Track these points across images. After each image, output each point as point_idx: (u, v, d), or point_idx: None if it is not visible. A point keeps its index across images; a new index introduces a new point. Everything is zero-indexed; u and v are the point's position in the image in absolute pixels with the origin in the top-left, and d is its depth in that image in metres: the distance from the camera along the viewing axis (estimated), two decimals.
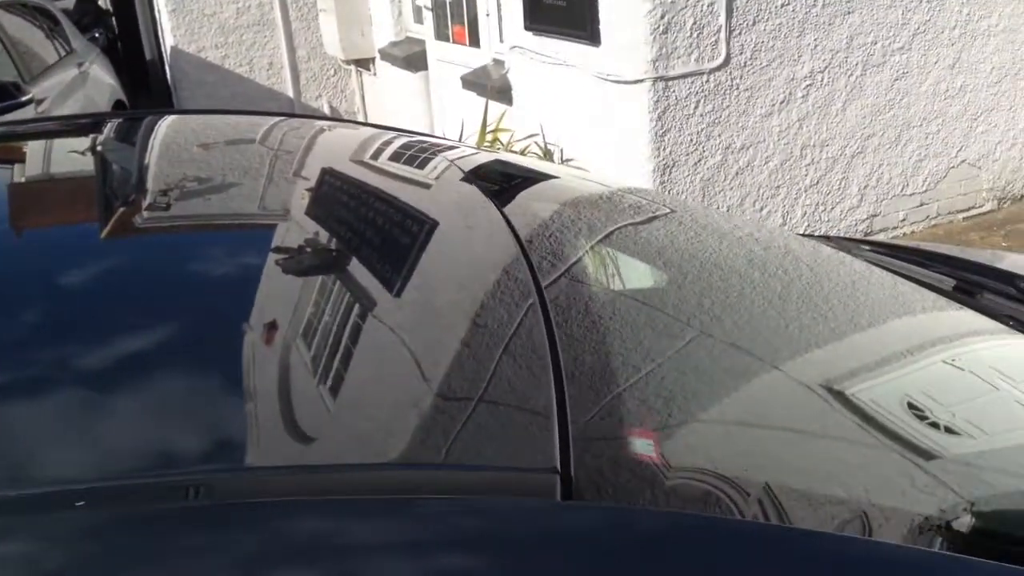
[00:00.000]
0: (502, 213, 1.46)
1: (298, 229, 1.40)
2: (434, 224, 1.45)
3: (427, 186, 1.70)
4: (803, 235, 2.05)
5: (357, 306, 1.16)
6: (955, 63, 4.72)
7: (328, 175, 1.66)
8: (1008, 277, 1.78)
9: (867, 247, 1.90)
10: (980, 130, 4.94)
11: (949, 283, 1.73)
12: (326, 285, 1.21)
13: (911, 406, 1.16)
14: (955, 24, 4.64)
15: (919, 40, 4.58)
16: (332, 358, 1.04)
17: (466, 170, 1.77)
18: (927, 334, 1.47)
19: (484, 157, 2.11)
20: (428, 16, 6.12)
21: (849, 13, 4.36)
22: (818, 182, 4.62)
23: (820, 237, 2.05)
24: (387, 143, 1.93)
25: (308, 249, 1.31)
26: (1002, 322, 1.54)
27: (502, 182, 1.85)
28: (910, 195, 4.89)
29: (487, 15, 5.43)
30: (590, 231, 1.58)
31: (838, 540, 0.84)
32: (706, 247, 1.61)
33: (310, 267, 1.26)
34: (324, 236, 1.38)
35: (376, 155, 1.86)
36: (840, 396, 1.17)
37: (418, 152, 1.88)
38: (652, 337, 1.23)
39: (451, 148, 2.05)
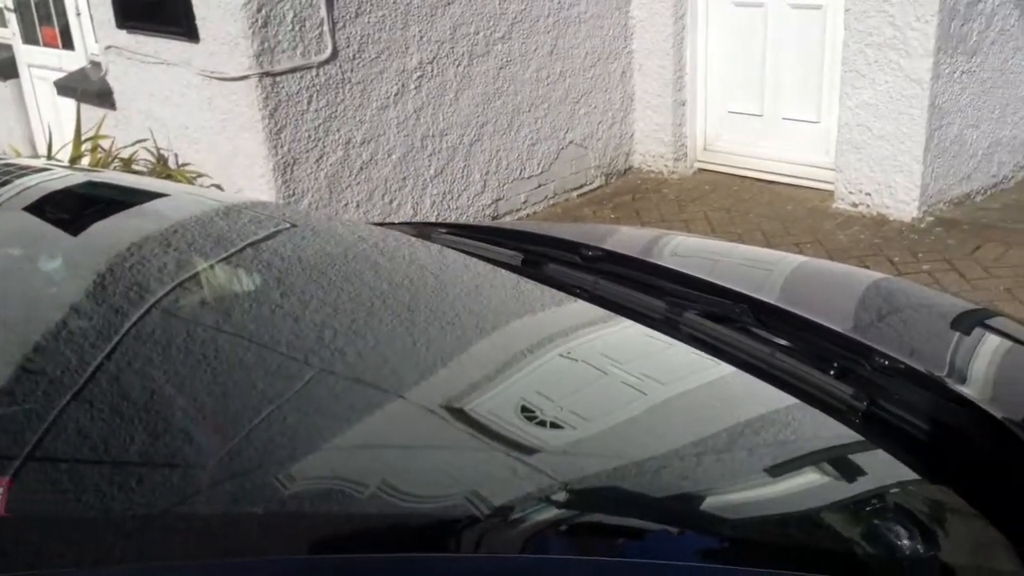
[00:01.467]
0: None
1: None
2: None
3: None
4: (379, 224, 2.04)
5: None
6: (553, 50, 5.03)
7: None
8: (573, 246, 1.86)
9: (444, 230, 1.91)
10: (582, 112, 5.32)
11: (518, 258, 1.77)
12: None
13: (524, 408, 1.16)
14: (548, 12, 4.94)
15: (518, 29, 4.82)
16: None
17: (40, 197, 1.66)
18: (541, 331, 1.47)
19: (61, 181, 1.94)
20: (12, 18, 5.49)
21: (450, 4, 4.48)
22: (442, 171, 4.72)
23: (399, 224, 2.04)
24: None
25: None
26: (569, 292, 1.60)
27: (68, 209, 1.72)
28: (528, 177, 5.16)
29: (77, 15, 4.96)
30: (183, 262, 1.47)
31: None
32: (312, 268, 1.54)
33: None
34: None
35: None
36: (451, 409, 1.15)
37: None
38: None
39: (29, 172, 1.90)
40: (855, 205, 4.85)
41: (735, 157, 5.48)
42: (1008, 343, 1.53)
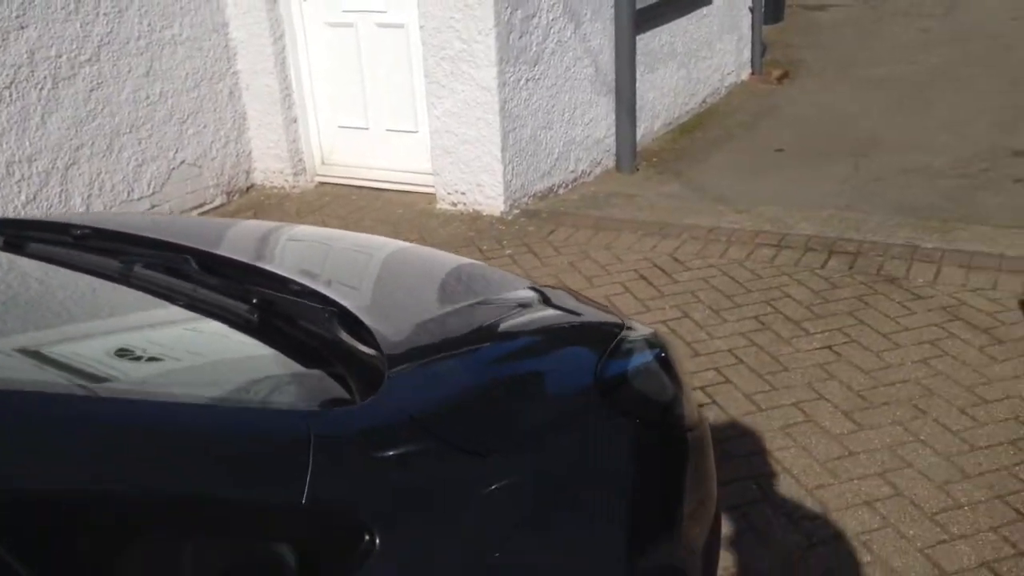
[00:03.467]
0: None
1: None
2: None
3: None
4: None
5: None
6: (149, 71, 5.04)
7: None
8: (62, 228, 1.98)
9: None
10: (191, 132, 5.37)
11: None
12: None
13: None
14: (139, 35, 4.95)
15: (106, 51, 4.80)
16: None
17: None
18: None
19: None
20: None
21: (23, 28, 4.38)
22: (35, 197, 4.58)
23: None
24: None
25: None
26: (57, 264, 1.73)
27: None
28: (139, 199, 5.12)
29: None
30: None
31: None
32: None
33: None
34: None
35: None
36: None
37: None
38: None
39: None
40: (454, 204, 5.30)
41: (350, 168, 5.77)
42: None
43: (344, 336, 1.43)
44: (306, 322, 1.48)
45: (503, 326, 1.69)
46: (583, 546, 1.40)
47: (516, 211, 5.22)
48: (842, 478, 2.87)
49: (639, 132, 6.45)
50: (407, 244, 2.29)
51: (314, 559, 1.10)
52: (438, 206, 5.34)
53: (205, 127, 5.45)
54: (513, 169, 5.16)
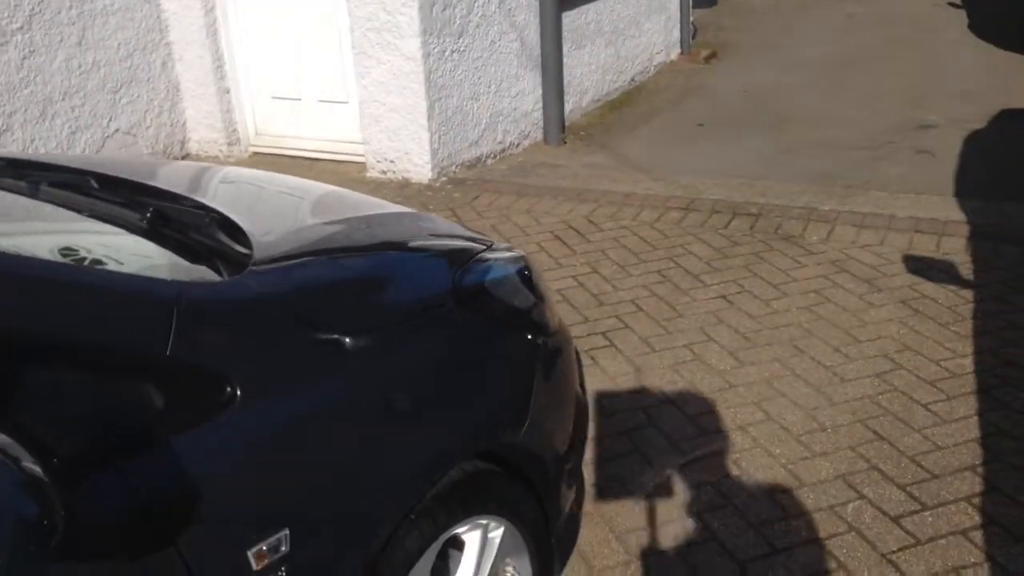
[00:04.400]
0: None
1: None
2: None
3: None
4: None
5: None
6: (81, 40, 5.15)
7: None
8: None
9: None
10: (124, 101, 5.48)
11: None
12: None
13: None
14: (71, 4, 5.06)
15: (38, 20, 4.90)
16: None
17: None
18: None
19: None
20: None
21: None
22: None
23: None
24: None
25: None
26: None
27: None
28: None
29: None
30: None
31: None
32: None
33: None
34: None
35: None
36: None
37: None
38: None
39: None
40: (384, 173, 5.49)
41: (284, 139, 5.93)
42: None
43: (221, 237, 1.63)
44: (190, 227, 1.68)
45: (370, 238, 1.91)
46: (428, 420, 1.62)
47: (443, 179, 5.41)
48: (721, 406, 3.12)
49: (568, 107, 6.68)
50: (312, 182, 2.49)
51: (187, 407, 1.30)
52: (368, 174, 5.53)
53: (138, 97, 5.57)
54: (440, 138, 5.36)
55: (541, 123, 6.27)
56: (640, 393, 3.23)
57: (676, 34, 8.45)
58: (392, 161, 5.43)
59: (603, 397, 3.21)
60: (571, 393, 2.09)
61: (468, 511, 1.74)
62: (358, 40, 5.22)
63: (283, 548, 1.35)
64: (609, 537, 2.56)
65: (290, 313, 1.46)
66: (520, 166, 5.79)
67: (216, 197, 2.04)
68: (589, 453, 2.86)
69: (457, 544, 1.80)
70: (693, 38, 9.06)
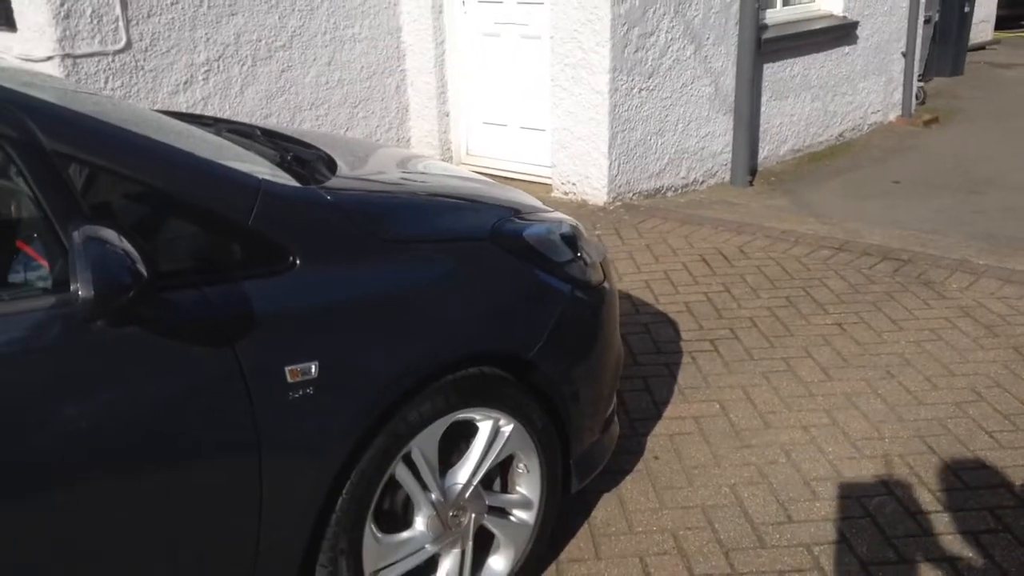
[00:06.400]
0: None
1: None
2: None
3: None
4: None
5: None
6: (331, 61, 6.16)
7: None
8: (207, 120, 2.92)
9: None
10: (361, 115, 6.44)
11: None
12: None
13: None
14: (326, 30, 6.08)
15: (297, 41, 5.94)
16: None
17: None
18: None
19: None
20: None
21: (233, 15, 5.57)
22: None
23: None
24: None
25: None
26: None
27: None
28: None
29: None
30: None
31: None
32: None
33: None
34: None
35: None
36: None
37: None
38: None
39: None
40: (565, 193, 6.07)
41: (488, 159, 6.67)
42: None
43: (319, 167, 2.27)
44: (303, 161, 2.32)
45: (436, 188, 2.49)
46: (442, 319, 2.14)
47: (618, 203, 5.91)
48: (792, 409, 3.39)
49: (762, 153, 6.99)
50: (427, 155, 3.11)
51: (259, 264, 1.90)
52: (552, 194, 6.13)
53: (373, 113, 6.51)
54: (619, 166, 5.87)
55: (729, 164, 6.61)
56: (722, 390, 3.55)
57: (897, 96, 8.46)
58: (574, 184, 6.00)
59: (687, 388, 3.57)
60: (603, 343, 2.54)
61: (479, 402, 2.23)
62: (556, 74, 5.86)
63: (312, 373, 1.91)
64: (649, 489, 2.93)
65: (339, 213, 2.04)
66: (699, 201, 6.16)
67: (349, 151, 2.71)
68: (661, 425, 3.26)
69: (473, 431, 2.29)
70: (922, 103, 9.01)
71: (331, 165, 2.34)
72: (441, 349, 2.14)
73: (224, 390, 1.81)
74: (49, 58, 4.89)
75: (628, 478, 3.00)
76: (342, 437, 1.98)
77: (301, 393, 1.89)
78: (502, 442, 2.32)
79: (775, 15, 6.89)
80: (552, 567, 2.59)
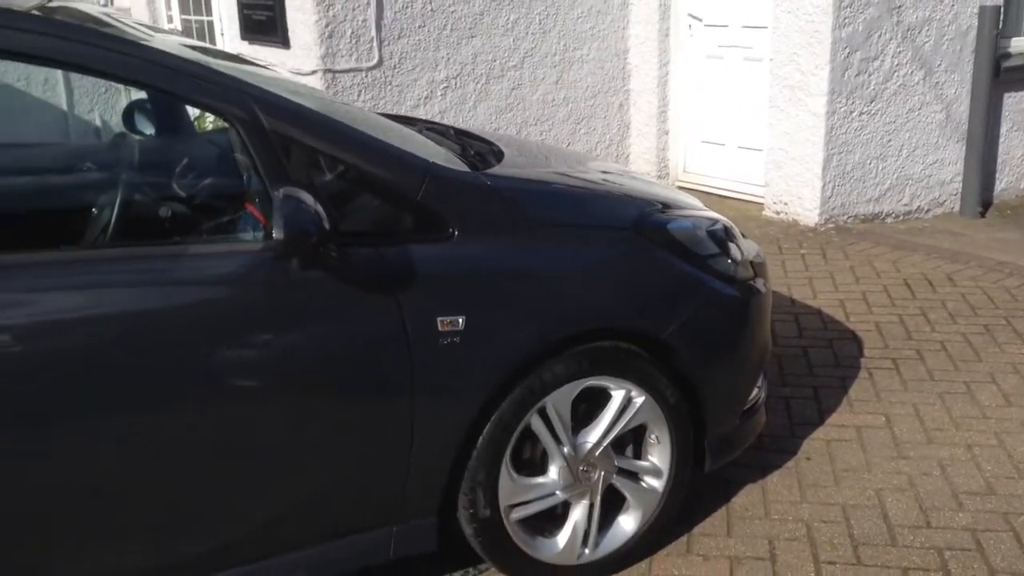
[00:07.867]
0: None
1: None
2: None
3: None
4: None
5: None
6: (558, 80, 6.59)
7: None
8: (414, 121, 3.41)
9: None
10: (583, 132, 6.83)
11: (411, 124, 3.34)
12: None
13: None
14: (556, 52, 6.52)
15: (528, 61, 6.42)
16: None
17: None
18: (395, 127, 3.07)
19: None
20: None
21: (472, 37, 6.14)
22: None
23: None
24: None
25: None
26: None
27: None
28: None
29: (222, 34, 6.91)
30: None
31: None
32: None
33: None
34: None
35: None
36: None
37: None
38: None
39: None
40: (777, 213, 6.13)
41: (704, 177, 6.84)
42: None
43: (491, 159, 2.65)
44: (477, 154, 2.71)
45: (592, 182, 2.78)
46: (579, 294, 2.43)
47: (830, 225, 5.90)
48: (961, 428, 3.36)
49: (999, 185, 6.67)
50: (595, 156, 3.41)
51: (424, 231, 2.29)
52: (764, 213, 6.20)
53: (594, 130, 6.89)
54: (833, 188, 5.86)
55: (959, 194, 6.37)
56: (894, 404, 3.56)
57: None
58: (786, 203, 6.05)
59: (856, 400, 3.61)
60: (746, 336, 2.72)
61: (611, 371, 2.49)
62: (774, 95, 5.96)
63: (459, 325, 2.27)
64: (794, 485, 3.05)
65: (494, 195, 2.39)
66: (920, 229, 6.01)
67: (522, 150, 3.07)
68: (821, 431, 3.36)
69: (608, 398, 2.56)
70: None
71: (500, 157, 2.71)
72: (571, 321, 2.43)
73: (388, 329, 2.21)
74: (313, 72, 5.66)
75: (776, 473, 3.13)
76: (481, 384, 2.31)
77: (449, 341, 2.25)
78: (633, 411, 2.56)
79: (1021, 43, 6.57)
80: (683, 538, 2.79)
